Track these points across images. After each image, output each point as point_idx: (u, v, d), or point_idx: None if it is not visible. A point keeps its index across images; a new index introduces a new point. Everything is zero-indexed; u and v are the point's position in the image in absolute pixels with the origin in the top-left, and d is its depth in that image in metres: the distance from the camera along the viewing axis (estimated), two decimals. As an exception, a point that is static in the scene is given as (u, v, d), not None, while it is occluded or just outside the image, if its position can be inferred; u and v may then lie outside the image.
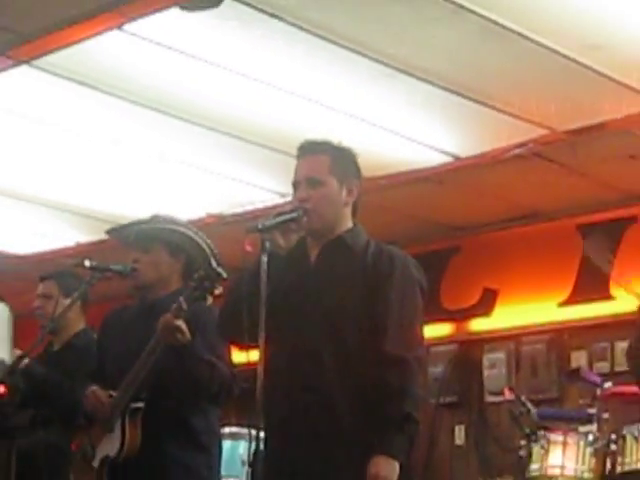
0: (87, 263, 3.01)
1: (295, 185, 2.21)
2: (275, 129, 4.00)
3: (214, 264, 2.73)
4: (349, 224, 2.27)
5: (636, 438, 3.39)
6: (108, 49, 3.32)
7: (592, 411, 3.66)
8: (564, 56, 3.30)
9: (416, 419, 2.04)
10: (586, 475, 3.50)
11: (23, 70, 3.40)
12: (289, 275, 2.21)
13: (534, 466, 3.49)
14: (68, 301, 3.33)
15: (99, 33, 3.16)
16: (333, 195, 2.20)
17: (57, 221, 5.39)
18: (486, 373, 4.98)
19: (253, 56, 3.39)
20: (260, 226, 2.08)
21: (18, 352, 3.40)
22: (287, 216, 2.17)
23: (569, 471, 3.50)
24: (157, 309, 2.64)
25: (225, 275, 2.56)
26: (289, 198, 2.46)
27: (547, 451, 3.50)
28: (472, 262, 5.14)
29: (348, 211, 2.27)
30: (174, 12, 3.01)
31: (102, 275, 3.01)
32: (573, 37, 3.23)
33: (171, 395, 2.65)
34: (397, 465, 1.99)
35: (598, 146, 3.99)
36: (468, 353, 5.14)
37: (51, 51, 3.27)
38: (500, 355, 4.98)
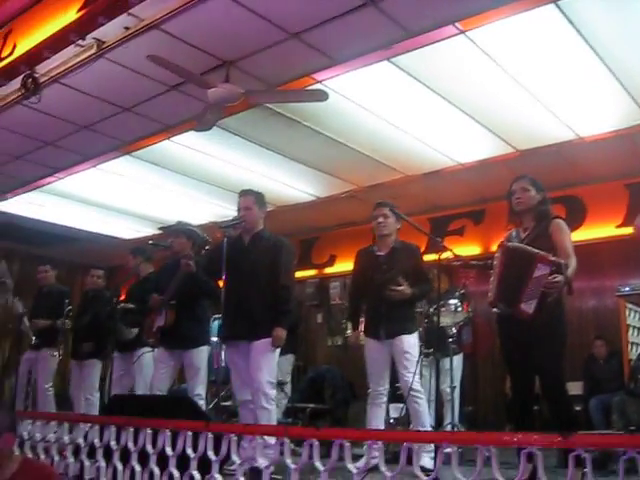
0: (150, 242, 4.58)
1: (239, 209, 3.26)
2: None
3: (204, 238, 3.81)
4: (262, 226, 3.30)
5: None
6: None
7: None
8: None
9: (291, 311, 3.14)
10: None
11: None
12: (234, 249, 3.08)
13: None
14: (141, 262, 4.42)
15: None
16: (256, 214, 3.26)
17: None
18: (331, 291, 7.21)
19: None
20: (223, 225, 3.15)
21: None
22: (236, 221, 3.18)
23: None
24: (182, 258, 3.67)
25: (208, 245, 3.57)
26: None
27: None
28: (325, 244, 7.30)
29: (262, 221, 3.31)
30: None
31: (158, 247, 4.43)
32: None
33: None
34: (285, 332, 3.06)
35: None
36: (322, 283, 7.30)
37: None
38: (337, 284, 7.18)
